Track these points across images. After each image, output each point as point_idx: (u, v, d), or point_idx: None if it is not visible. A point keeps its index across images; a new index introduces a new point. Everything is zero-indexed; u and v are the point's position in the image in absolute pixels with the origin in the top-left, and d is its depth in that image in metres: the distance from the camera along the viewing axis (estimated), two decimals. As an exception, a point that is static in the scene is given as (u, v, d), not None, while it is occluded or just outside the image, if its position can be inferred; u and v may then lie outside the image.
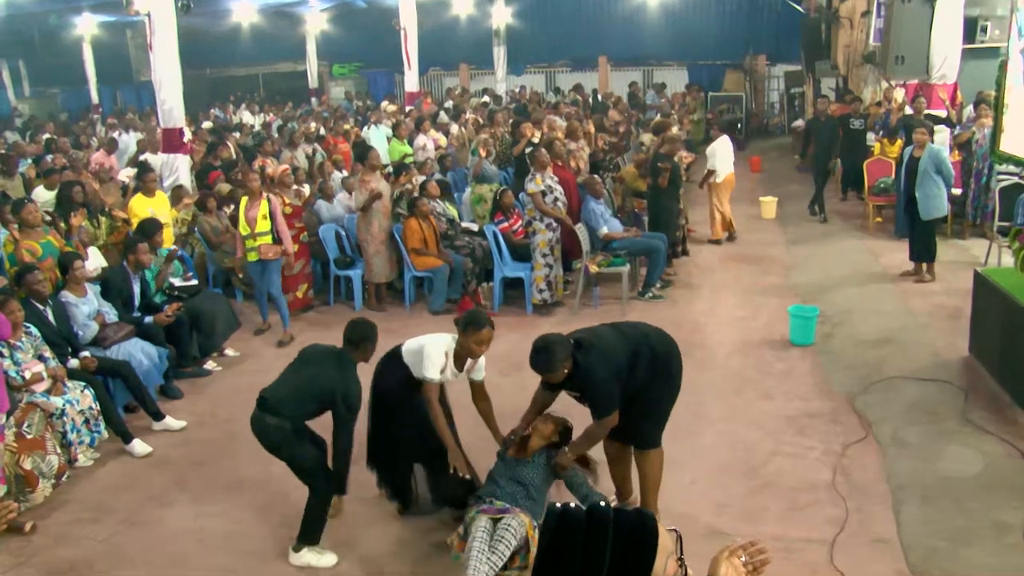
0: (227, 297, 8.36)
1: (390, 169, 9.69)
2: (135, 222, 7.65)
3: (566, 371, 4.04)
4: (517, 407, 4.91)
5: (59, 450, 5.19)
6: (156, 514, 4.84)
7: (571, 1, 23.37)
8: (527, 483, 4.20)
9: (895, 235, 9.80)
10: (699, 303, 8.23)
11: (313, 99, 21.37)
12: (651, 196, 9.01)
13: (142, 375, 5.98)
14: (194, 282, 7.50)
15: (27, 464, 4.91)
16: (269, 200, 7.43)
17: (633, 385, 4.16)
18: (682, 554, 1.73)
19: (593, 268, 8.02)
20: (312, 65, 22.40)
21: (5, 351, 5.20)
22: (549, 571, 1.66)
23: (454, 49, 23.23)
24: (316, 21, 21.84)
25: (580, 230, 8.22)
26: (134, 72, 24.29)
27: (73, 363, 5.69)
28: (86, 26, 20.47)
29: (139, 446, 5.57)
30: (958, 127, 10.46)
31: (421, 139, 11.99)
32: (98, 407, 5.57)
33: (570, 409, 4.41)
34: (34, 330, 5.50)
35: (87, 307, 6.13)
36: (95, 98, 21.72)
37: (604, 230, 8.28)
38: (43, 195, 8.73)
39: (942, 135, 9.50)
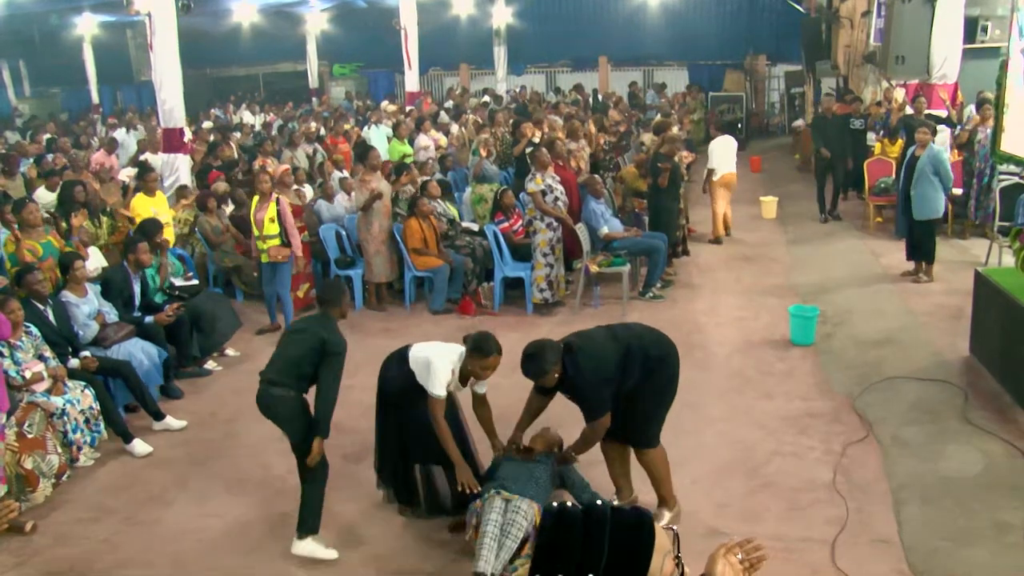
0: (228, 297, 8.37)
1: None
2: (139, 221, 7.65)
3: (557, 375, 4.10)
4: (517, 407, 4.91)
5: (60, 449, 5.19)
6: (156, 514, 4.84)
7: (571, 1, 23.38)
8: (536, 477, 4.24)
9: (895, 235, 9.79)
10: (699, 303, 8.23)
11: (313, 99, 21.38)
12: (651, 196, 9.00)
13: (142, 375, 5.98)
14: (195, 282, 7.51)
15: (28, 464, 4.91)
16: (278, 202, 7.45)
17: (627, 386, 4.17)
18: (679, 552, 1.74)
19: (594, 268, 8.02)
20: (312, 65, 22.39)
21: (5, 351, 5.20)
22: (547, 568, 1.67)
23: (454, 49, 23.23)
24: (316, 21, 21.83)
25: (581, 230, 8.22)
26: (134, 72, 24.28)
27: (73, 363, 5.69)
28: (86, 26, 20.47)
29: (140, 446, 5.57)
30: (958, 127, 10.46)
31: (422, 139, 11.99)
32: (98, 407, 5.57)
33: (572, 411, 4.40)
34: (34, 330, 5.50)
35: (87, 307, 6.13)
36: (95, 98, 21.73)
37: (604, 230, 8.28)
38: (45, 196, 8.74)
39: (943, 135, 9.50)
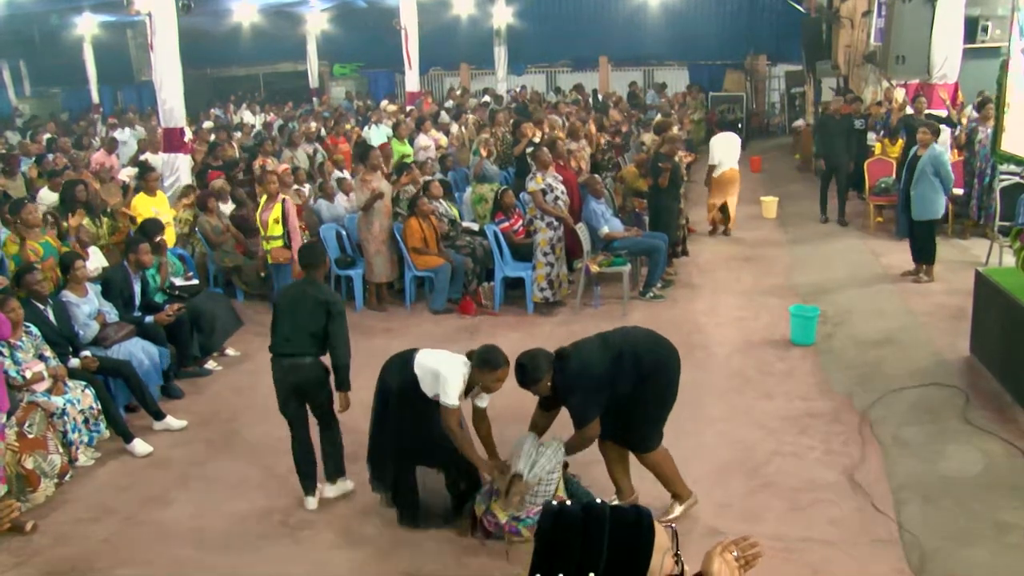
0: (228, 297, 8.37)
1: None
2: (139, 221, 7.65)
3: (549, 384, 4.15)
4: (517, 408, 4.92)
5: (61, 449, 5.19)
6: (157, 514, 4.84)
7: (572, 1, 23.38)
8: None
9: (896, 235, 9.79)
10: (700, 303, 8.23)
11: (314, 99, 21.38)
12: (652, 196, 9.01)
13: (143, 375, 5.98)
14: (195, 282, 7.51)
15: (29, 463, 4.91)
16: (284, 203, 7.45)
17: (621, 392, 4.18)
18: (679, 550, 1.74)
19: (594, 268, 8.02)
20: (313, 65, 22.39)
21: (5, 351, 5.20)
22: (547, 569, 1.66)
23: (455, 49, 23.23)
24: (317, 21, 21.83)
25: (581, 230, 8.22)
26: (135, 72, 24.28)
27: (74, 363, 5.69)
28: (87, 26, 20.47)
29: (140, 446, 5.57)
30: (958, 127, 10.46)
31: (421, 139, 11.99)
32: (98, 406, 5.57)
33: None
34: (34, 330, 5.50)
35: (88, 307, 6.13)
36: (96, 98, 21.73)
37: (605, 230, 8.28)
38: (49, 196, 8.75)
39: (944, 135, 9.49)
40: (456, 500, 4.52)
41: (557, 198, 7.99)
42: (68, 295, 6.07)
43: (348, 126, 14.64)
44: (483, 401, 4.52)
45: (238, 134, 14.85)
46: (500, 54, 20.74)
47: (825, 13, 17.61)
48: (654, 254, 8.30)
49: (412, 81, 17.13)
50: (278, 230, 7.37)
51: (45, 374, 5.37)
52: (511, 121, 12.23)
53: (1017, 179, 8.72)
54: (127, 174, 10.71)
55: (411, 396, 4.40)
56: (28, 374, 5.26)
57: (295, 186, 9.24)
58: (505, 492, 4.23)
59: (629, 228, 8.73)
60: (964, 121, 10.69)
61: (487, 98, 18.46)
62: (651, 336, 4.40)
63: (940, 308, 7.42)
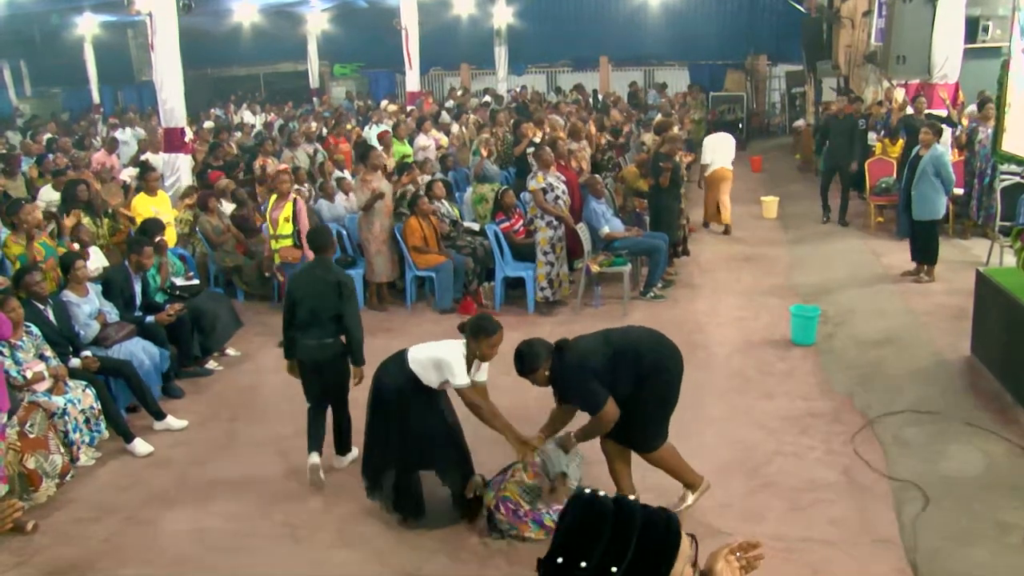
0: (229, 297, 8.36)
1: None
2: (139, 221, 7.65)
3: (547, 373, 4.19)
4: (517, 404, 4.93)
5: (62, 449, 5.19)
6: (157, 514, 4.84)
7: (572, 1, 23.38)
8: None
9: (897, 235, 9.79)
10: (700, 303, 8.23)
11: (314, 99, 21.39)
12: (652, 196, 9.01)
13: (143, 375, 5.98)
14: (196, 282, 7.51)
15: (30, 463, 4.91)
16: (295, 202, 7.44)
17: (622, 390, 4.18)
18: (696, 561, 1.74)
19: (595, 268, 8.02)
20: (313, 65, 22.40)
21: (6, 351, 5.20)
22: (571, 552, 1.66)
23: (455, 49, 23.25)
24: (317, 21, 21.84)
25: (582, 230, 8.22)
26: (135, 72, 24.29)
27: (74, 362, 5.69)
28: (87, 26, 20.48)
29: (140, 445, 5.57)
30: (959, 127, 10.45)
31: (421, 139, 11.99)
32: (99, 406, 5.57)
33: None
34: (35, 329, 5.50)
35: (88, 307, 6.13)
36: (96, 98, 21.74)
37: (605, 230, 8.28)
38: (50, 195, 8.74)
39: (945, 135, 9.48)
40: (456, 498, 4.52)
41: (558, 197, 7.99)
42: (69, 295, 6.07)
43: (349, 126, 14.63)
44: (482, 375, 4.53)
45: (238, 134, 14.85)
46: (500, 54, 20.75)
47: (826, 13, 17.61)
48: (655, 254, 8.30)
49: (413, 81, 17.14)
50: (288, 229, 7.34)
51: (46, 374, 5.37)
52: (512, 121, 12.23)
53: (1018, 179, 8.72)
54: (128, 174, 10.72)
55: (410, 396, 4.39)
56: (29, 374, 5.26)
57: (296, 186, 9.23)
58: (550, 490, 4.33)
59: (630, 228, 8.73)
60: (965, 121, 10.69)
61: (488, 98, 18.47)
62: (654, 336, 4.40)
63: (941, 308, 7.42)
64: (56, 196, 8.53)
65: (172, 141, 9.91)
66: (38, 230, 6.63)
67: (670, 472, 4.46)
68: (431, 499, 4.52)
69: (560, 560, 1.65)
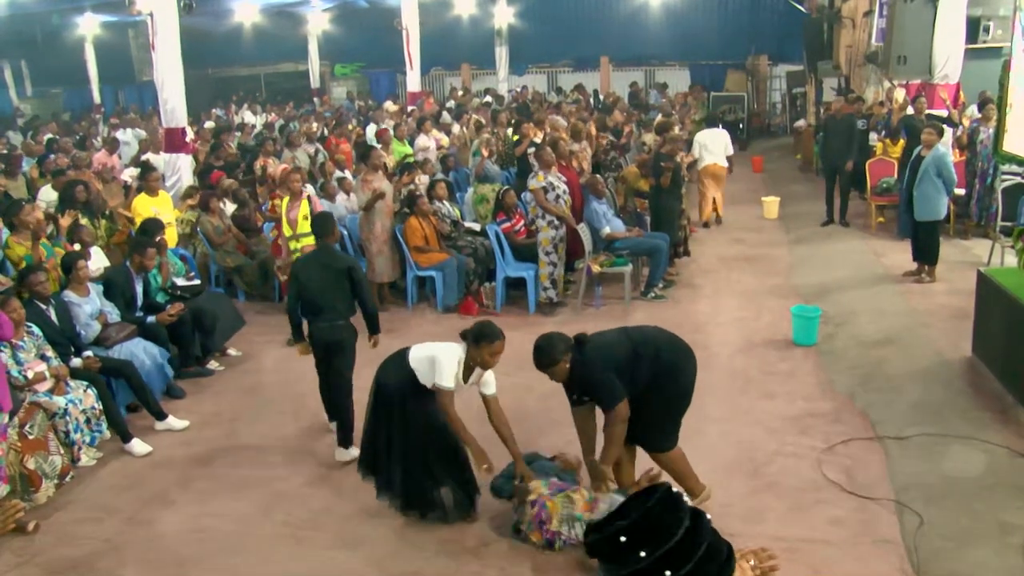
0: (229, 297, 8.37)
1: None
2: (139, 222, 7.65)
3: (567, 366, 4.15)
4: (521, 407, 4.93)
5: (62, 450, 5.19)
6: (159, 514, 4.84)
7: (573, 1, 23.37)
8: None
9: (898, 235, 9.78)
10: (701, 303, 8.23)
11: (315, 99, 21.39)
12: (653, 196, 9.01)
13: (145, 375, 5.99)
14: (197, 282, 7.50)
15: (31, 464, 4.91)
16: (310, 200, 7.43)
17: (637, 388, 4.17)
18: None
19: (596, 268, 8.02)
20: (314, 65, 22.38)
21: (7, 351, 5.20)
22: (635, 539, 1.67)
23: (456, 49, 23.24)
24: (318, 21, 21.84)
25: (583, 230, 8.22)
26: (136, 72, 24.29)
27: (76, 362, 5.69)
28: (88, 26, 20.49)
29: (138, 446, 5.57)
30: (959, 127, 10.45)
31: (422, 139, 11.99)
32: (100, 406, 5.57)
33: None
34: (36, 330, 5.50)
35: (90, 307, 6.13)
36: (97, 98, 21.74)
37: (606, 230, 8.28)
38: (49, 195, 8.74)
39: (946, 135, 9.47)
40: (457, 499, 4.52)
41: (559, 197, 7.99)
42: (70, 295, 6.07)
43: (350, 126, 14.64)
44: (490, 388, 4.46)
45: (238, 134, 14.85)
46: (501, 54, 20.74)
47: (826, 13, 17.59)
48: (656, 254, 8.30)
49: (413, 81, 17.13)
50: (307, 227, 7.29)
51: (47, 374, 5.37)
52: (512, 121, 12.23)
53: (1019, 179, 8.72)
54: (129, 174, 10.72)
55: (410, 395, 4.40)
56: (30, 374, 5.26)
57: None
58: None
59: (631, 228, 8.72)
60: (966, 122, 10.68)
61: (488, 98, 18.47)
62: (671, 337, 4.41)
63: (942, 308, 7.41)
64: (55, 196, 8.53)
65: (173, 141, 9.91)
66: (27, 230, 6.62)
67: (675, 475, 4.45)
68: (443, 494, 4.53)
69: (623, 539, 1.67)
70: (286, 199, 7.52)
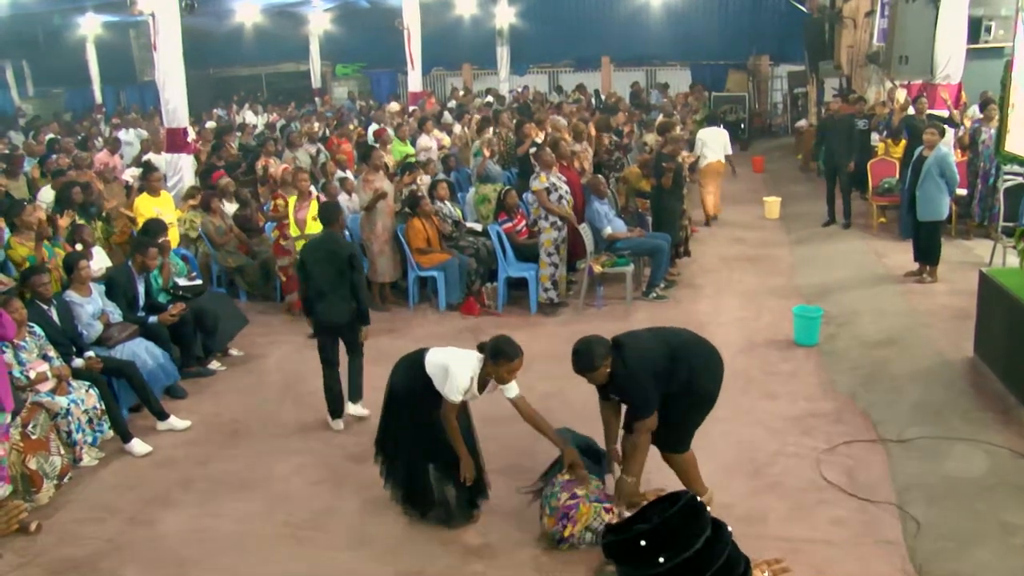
0: (231, 297, 8.37)
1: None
2: (141, 222, 7.65)
3: (607, 370, 4.12)
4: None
5: (63, 451, 5.19)
6: (160, 514, 4.84)
7: (574, 1, 23.36)
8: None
9: (900, 235, 9.77)
10: (703, 303, 8.22)
11: (316, 99, 21.39)
12: (655, 196, 9.01)
13: (147, 375, 5.99)
14: (199, 282, 7.51)
15: (32, 464, 4.91)
16: (319, 200, 7.42)
17: (667, 392, 4.17)
18: None
19: (597, 268, 8.02)
20: (315, 65, 22.39)
21: (9, 351, 5.21)
22: (655, 544, 1.67)
23: (457, 49, 23.23)
24: (319, 21, 21.84)
25: (584, 230, 8.22)
26: (138, 72, 24.29)
27: (78, 362, 5.69)
28: (90, 26, 20.51)
29: (138, 446, 5.57)
30: (961, 127, 10.44)
31: (423, 139, 11.99)
32: (102, 406, 5.57)
33: (583, 408, 4.40)
34: (38, 330, 5.50)
35: (91, 307, 6.14)
36: (98, 98, 21.73)
37: (608, 230, 8.28)
38: (49, 195, 8.74)
39: (948, 135, 9.47)
40: (461, 499, 4.52)
41: (561, 197, 7.99)
42: (72, 295, 6.07)
43: (351, 126, 14.64)
44: (512, 391, 4.42)
45: (239, 134, 14.85)
46: (502, 54, 20.75)
47: (828, 13, 17.58)
48: (657, 254, 8.30)
49: (415, 81, 17.14)
50: (317, 227, 7.28)
51: (49, 374, 5.38)
52: (514, 121, 12.22)
53: (1021, 180, 8.72)
54: (131, 174, 10.72)
55: (423, 398, 4.37)
56: (32, 374, 5.26)
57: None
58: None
59: (632, 228, 8.72)
60: (968, 122, 10.67)
61: (490, 98, 18.46)
62: (703, 342, 4.40)
63: (944, 309, 7.41)
64: (53, 197, 8.53)
65: (175, 141, 9.91)
66: (29, 231, 6.62)
67: (685, 476, 4.45)
68: (444, 494, 4.53)
69: (644, 543, 1.67)
70: (293, 199, 7.51)
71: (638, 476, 4.32)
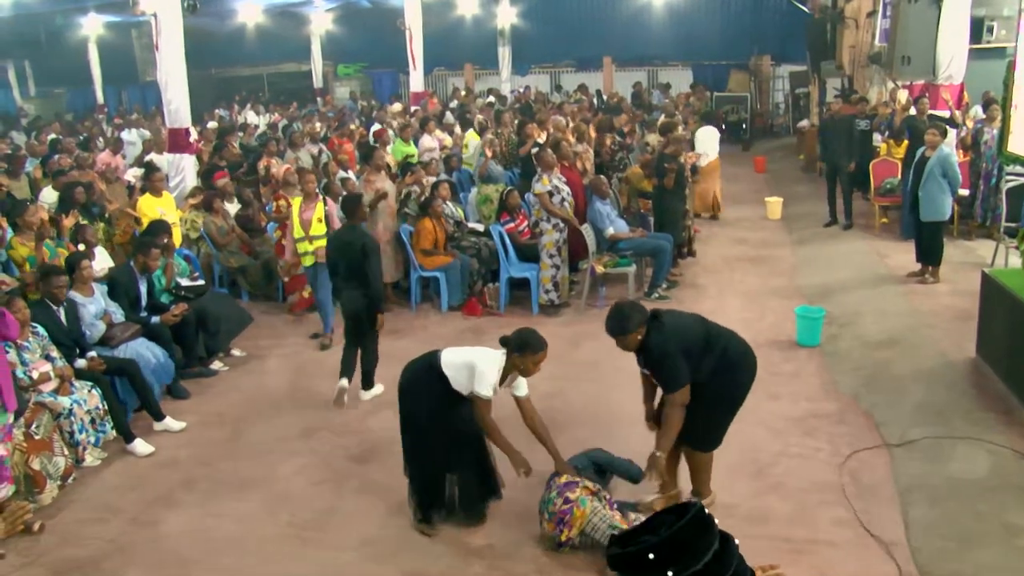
0: (233, 297, 8.38)
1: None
2: (146, 222, 7.65)
3: (639, 338, 4.15)
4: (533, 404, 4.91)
5: (66, 451, 5.19)
6: (163, 514, 4.85)
7: (576, 1, 23.36)
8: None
9: (902, 236, 9.77)
10: (705, 304, 8.20)
11: (318, 99, 21.39)
12: (657, 197, 9.00)
13: (150, 374, 5.99)
14: (201, 282, 7.51)
15: (35, 464, 4.92)
16: (325, 202, 7.43)
17: (699, 377, 4.17)
18: None
19: (599, 268, 8.02)
20: (317, 65, 22.42)
21: (12, 351, 5.21)
22: (664, 558, 1.70)
23: (459, 49, 23.24)
24: (321, 21, 21.87)
25: (586, 230, 8.22)
26: (139, 72, 24.33)
27: (80, 363, 5.70)
28: (92, 26, 20.53)
29: (141, 446, 5.58)
30: (963, 128, 10.42)
31: (426, 140, 11.99)
32: (105, 407, 5.58)
33: (588, 407, 4.39)
34: (41, 330, 5.51)
35: (94, 307, 6.14)
36: (100, 98, 21.74)
37: (610, 231, 8.28)
38: (50, 196, 8.75)
39: (949, 135, 9.46)
40: (466, 500, 4.52)
41: (563, 199, 7.99)
42: (74, 295, 6.08)
43: (353, 127, 14.64)
44: (521, 389, 4.42)
45: (241, 134, 14.85)
46: (504, 54, 20.76)
47: (830, 13, 17.56)
48: (659, 255, 8.30)
49: (416, 81, 17.14)
50: (322, 229, 7.27)
51: (52, 374, 5.38)
52: (516, 122, 12.23)
53: (1022, 180, 8.69)
54: (133, 174, 10.73)
55: (437, 401, 4.34)
56: (35, 374, 5.27)
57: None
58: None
59: (634, 229, 8.73)
60: (970, 123, 10.66)
61: (491, 98, 18.46)
62: (740, 338, 4.45)
63: (946, 309, 7.40)
64: (55, 198, 8.54)
65: (177, 141, 9.91)
66: (32, 232, 6.63)
67: (698, 475, 4.46)
68: (454, 498, 4.54)
69: (652, 557, 1.70)
70: (298, 200, 7.50)
71: (666, 452, 4.25)
